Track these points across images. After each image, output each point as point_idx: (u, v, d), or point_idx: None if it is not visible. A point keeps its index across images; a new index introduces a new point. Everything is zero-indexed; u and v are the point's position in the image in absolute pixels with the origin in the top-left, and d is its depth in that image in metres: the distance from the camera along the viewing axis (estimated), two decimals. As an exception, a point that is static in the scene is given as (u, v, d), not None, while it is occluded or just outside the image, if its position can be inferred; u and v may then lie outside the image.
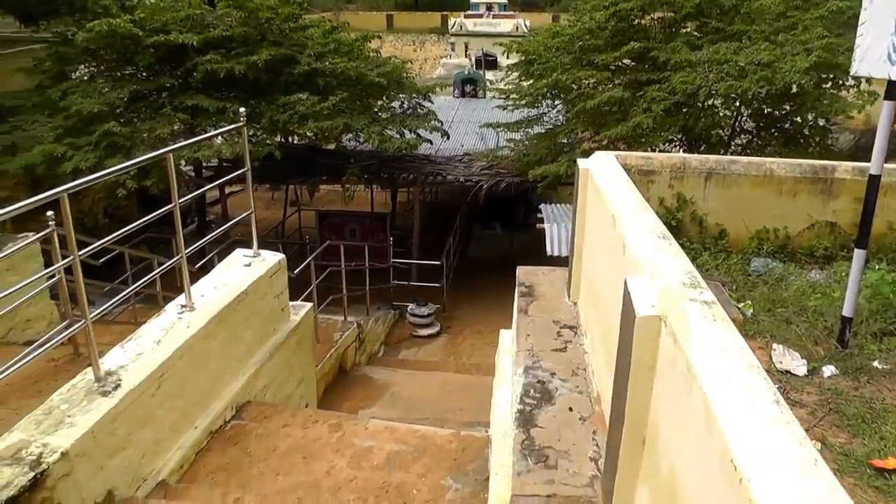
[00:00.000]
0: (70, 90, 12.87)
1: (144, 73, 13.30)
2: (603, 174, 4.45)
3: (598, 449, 3.35)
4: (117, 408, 3.91)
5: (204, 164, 14.27)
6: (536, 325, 4.69)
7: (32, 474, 3.35)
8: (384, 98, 14.87)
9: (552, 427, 3.53)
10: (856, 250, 4.19)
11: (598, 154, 5.16)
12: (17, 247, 6.61)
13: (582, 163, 4.89)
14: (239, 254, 6.04)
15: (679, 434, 2.17)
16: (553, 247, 9.27)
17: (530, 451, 3.34)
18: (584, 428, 3.54)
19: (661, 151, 11.52)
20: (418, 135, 14.32)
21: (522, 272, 5.66)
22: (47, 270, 4.80)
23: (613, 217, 3.56)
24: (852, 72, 3.99)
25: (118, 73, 13.61)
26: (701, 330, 2.16)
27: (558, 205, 11.63)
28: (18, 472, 3.34)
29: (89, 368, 4.13)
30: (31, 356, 4.22)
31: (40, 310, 7.50)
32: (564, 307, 5.00)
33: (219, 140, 12.07)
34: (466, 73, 24.85)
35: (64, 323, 6.24)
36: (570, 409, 3.69)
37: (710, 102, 11.67)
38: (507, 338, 5.53)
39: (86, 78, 13.82)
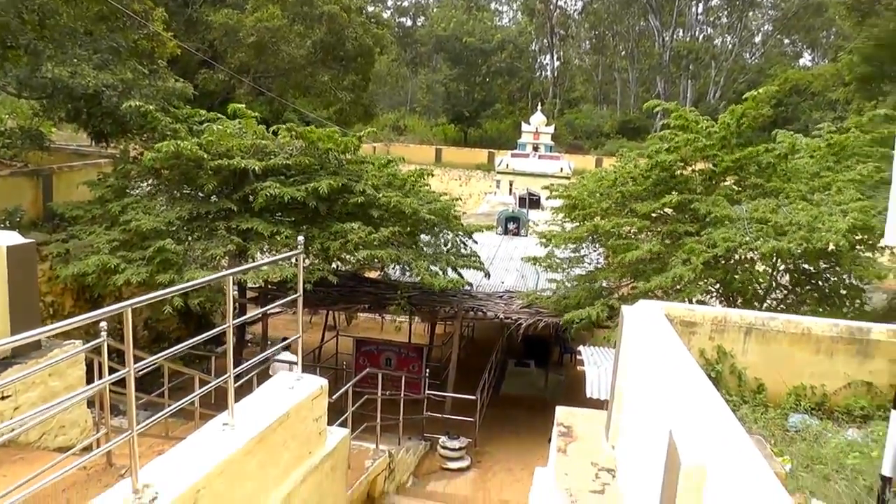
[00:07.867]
0: (130, 206, 13.41)
1: (203, 195, 13.90)
2: (647, 323, 4.61)
3: None
4: (151, 521, 3.85)
5: (249, 286, 14.65)
6: (574, 466, 4.75)
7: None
8: (432, 233, 15.35)
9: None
10: (893, 411, 4.22)
11: (642, 303, 5.34)
12: (65, 355, 6.80)
13: (626, 310, 5.05)
14: (283, 376, 6.14)
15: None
16: (593, 389, 9.30)
17: None
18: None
19: (697, 303, 11.58)
20: (460, 274, 14.62)
21: (561, 413, 5.73)
22: (104, 380, 4.79)
23: (656, 366, 3.69)
24: (885, 242, 4.19)
25: (178, 193, 14.24)
26: (747, 483, 2.26)
27: (599, 348, 11.67)
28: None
29: (124, 480, 4.10)
30: (72, 466, 4.14)
31: (75, 416, 7.47)
32: (603, 450, 5.04)
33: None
34: (510, 211, 25.47)
35: (102, 433, 6.18)
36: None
37: (748, 257, 11.83)
38: (543, 476, 5.50)
39: (146, 195, 14.46)
